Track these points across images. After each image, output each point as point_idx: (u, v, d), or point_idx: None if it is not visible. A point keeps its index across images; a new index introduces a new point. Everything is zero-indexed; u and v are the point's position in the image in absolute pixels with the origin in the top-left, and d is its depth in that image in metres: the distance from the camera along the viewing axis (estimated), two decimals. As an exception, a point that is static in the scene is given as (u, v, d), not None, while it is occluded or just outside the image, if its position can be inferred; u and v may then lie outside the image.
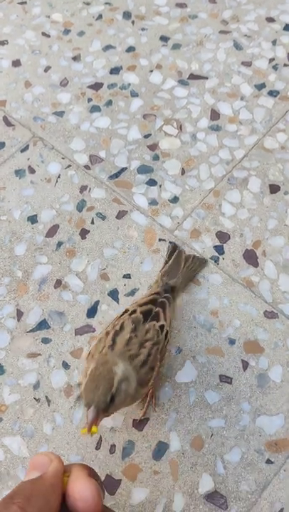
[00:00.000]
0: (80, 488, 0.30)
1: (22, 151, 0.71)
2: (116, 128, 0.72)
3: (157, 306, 0.51)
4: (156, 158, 0.69)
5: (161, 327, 0.49)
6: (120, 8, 0.84)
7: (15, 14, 0.86)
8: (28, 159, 0.70)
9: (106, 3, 0.85)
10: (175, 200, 0.66)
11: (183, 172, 0.68)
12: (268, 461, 0.50)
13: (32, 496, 0.30)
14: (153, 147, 0.70)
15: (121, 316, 0.51)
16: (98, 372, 0.42)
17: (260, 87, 0.74)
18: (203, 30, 0.81)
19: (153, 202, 0.66)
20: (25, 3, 0.87)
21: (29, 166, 0.70)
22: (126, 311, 0.51)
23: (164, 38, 0.80)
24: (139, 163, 0.69)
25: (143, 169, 0.68)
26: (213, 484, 0.50)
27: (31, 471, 0.32)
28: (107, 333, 0.48)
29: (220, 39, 0.80)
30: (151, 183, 0.67)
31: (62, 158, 0.70)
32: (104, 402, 0.41)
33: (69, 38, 0.82)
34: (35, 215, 0.66)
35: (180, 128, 0.71)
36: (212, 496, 0.49)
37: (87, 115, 0.73)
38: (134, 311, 0.50)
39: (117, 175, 0.68)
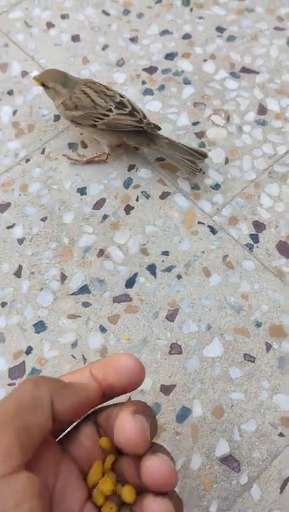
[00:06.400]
0: (123, 425, 0.32)
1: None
2: (166, 112, 0.76)
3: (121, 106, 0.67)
4: (202, 145, 0.73)
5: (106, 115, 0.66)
6: None
7: None
8: (81, 134, 0.74)
9: None
10: (217, 187, 0.70)
11: (227, 161, 0.72)
12: (281, 434, 0.55)
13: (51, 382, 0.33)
14: (200, 135, 0.74)
15: None
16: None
17: (309, 88, 0.77)
18: (259, 24, 0.84)
19: (196, 187, 0.70)
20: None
21: (82, 141, 0.74)
22: None
23: (220, 29, 0.83)
24: (186, 145, 0.73)
25: (189, 154, 0.72)
26: (228, 449, 0.55)
27: (78, 374, 0.35)
28: None
29: (274, 35, 0.83)
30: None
31: (114, 136, 0.74)
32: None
33: (128, 18, 0.85)
34: (85, 188, 0.70)
35: (228, 119, 0.75)
36: (227, 459, 0.55)
37: (140, 97, 0.77)
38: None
39: (163, 158, 0.72)
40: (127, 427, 0.32)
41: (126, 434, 0.32)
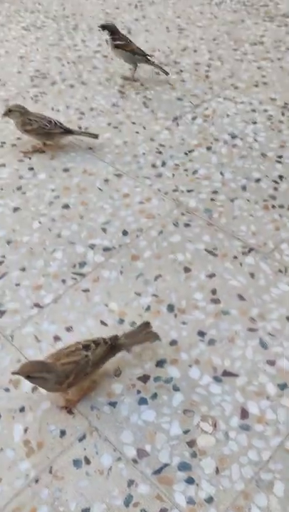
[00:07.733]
0: None
1: (80, 440, 0.84)
2: (160, 422, 0.85)
3: (96, 344, 0.86)
4: (194, 455, 0.81)
5: (86, 356, 0.84)
6: (165, 301, 1.03)
7: (79, 301, 1.06)
8: (85, 449, 0.83)
9: (153, 295, 1.05)
10: (210, 500, 0.76)
11: (217, 471, 0.79)
12: None
13: None
14: (191, 443, 0.82)
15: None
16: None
17: (283, 386, 0.88)
18: (234, 326, 0.98)
19: (191, 501, 0.76)
20: (88, 290, 1.07)
21: (85, 457, 0.82)
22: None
23: (201, 333, 0.97)
24: (179, 460, 0.80)
25: (183, 466, 0.80)
26: None
27: None
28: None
29: (248, 336, 0.96)
30: (190, 480, 0.78)
31: (114, 450, 0.82)
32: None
33: (123, 327, 1.00)
34: (88, 508, 0.76)
35: (214, 425, 0.84)
36: None
37: (136, 407, 0.87)
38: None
39: (160, 470, 0.79)
40: None
41: None
